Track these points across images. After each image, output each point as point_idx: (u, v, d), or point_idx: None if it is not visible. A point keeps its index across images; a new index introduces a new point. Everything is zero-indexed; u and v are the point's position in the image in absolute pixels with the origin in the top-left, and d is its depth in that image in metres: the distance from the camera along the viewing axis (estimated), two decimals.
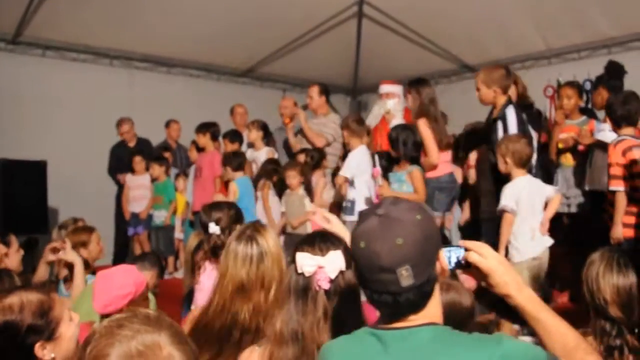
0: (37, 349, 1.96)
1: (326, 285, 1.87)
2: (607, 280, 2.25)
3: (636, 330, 2.22)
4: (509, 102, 4.61)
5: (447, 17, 7.61)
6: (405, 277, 1.40)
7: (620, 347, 2.18)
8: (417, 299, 1.46)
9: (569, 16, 7.10)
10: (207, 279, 3.35)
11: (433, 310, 1.50)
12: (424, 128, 5.23)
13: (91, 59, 8.12)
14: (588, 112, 5.90)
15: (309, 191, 6.07)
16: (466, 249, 1.55)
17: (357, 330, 1.59)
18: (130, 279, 2.81)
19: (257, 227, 2.49)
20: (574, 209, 5.34)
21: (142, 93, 8.34)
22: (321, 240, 1.95)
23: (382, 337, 1.49)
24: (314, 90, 6.62)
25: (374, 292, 1.46)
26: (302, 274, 1.88)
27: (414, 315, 1.47)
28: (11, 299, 1.98)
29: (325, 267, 1.87)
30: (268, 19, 7.66)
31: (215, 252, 3.38)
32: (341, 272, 1.89)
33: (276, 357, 1.88)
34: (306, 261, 1.87)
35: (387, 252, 1.40)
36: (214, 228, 3.41)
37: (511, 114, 4.50)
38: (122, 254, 7.61)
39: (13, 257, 3.81)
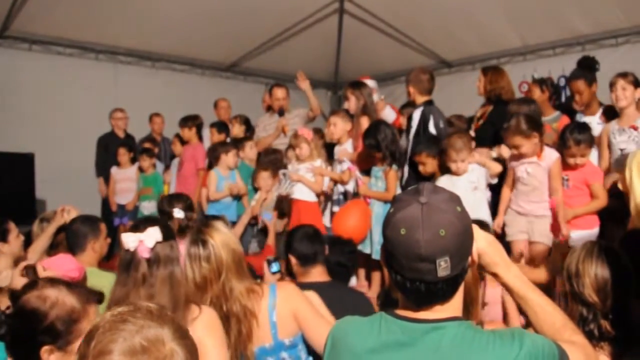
0: (43, 351, 1.85)
1: (146, 254, 2.22)
2: (586, 266, 2.33)
3: (610, 317, 2.27)
4: (424, 104, 5.16)
5: (425, 14, 7.78)
6: (444, 267, 1.41)
7: (594, 331, 2.26)
8: (449, 290, 1.49)
9: (544, 13, 7.29)
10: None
11: (457, 301, 1.53)
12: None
13: (77, 53, 8.18)
14: (563, 109, 6.00)
15: None
16: None
17: (375, 314, 1.61)
18: (72, 264, 2.94)
19: (202, 229, 2.66)
20: None
21: (127, 87, 8.42)
22: (141, 223, 2.32)
23: (405, 328, 1.51)
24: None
25: (407, 279, 1.47)
26: (128, 250, 2.23)
27: (440, 305, 1.50)
28: (50, 291, 1.94)
29: (145, 240, 2.22)
30: (251, 15, 7.79)
31: (182, 231, 3.85)
32: (158, 243, 2.24)
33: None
34: (129, 239, 2.23)
35: (429, 242, 1.41)
36: (179, 213, 4.03)
37: (416, 115, 5.12)
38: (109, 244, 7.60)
39: (13, 243, 3.77)
